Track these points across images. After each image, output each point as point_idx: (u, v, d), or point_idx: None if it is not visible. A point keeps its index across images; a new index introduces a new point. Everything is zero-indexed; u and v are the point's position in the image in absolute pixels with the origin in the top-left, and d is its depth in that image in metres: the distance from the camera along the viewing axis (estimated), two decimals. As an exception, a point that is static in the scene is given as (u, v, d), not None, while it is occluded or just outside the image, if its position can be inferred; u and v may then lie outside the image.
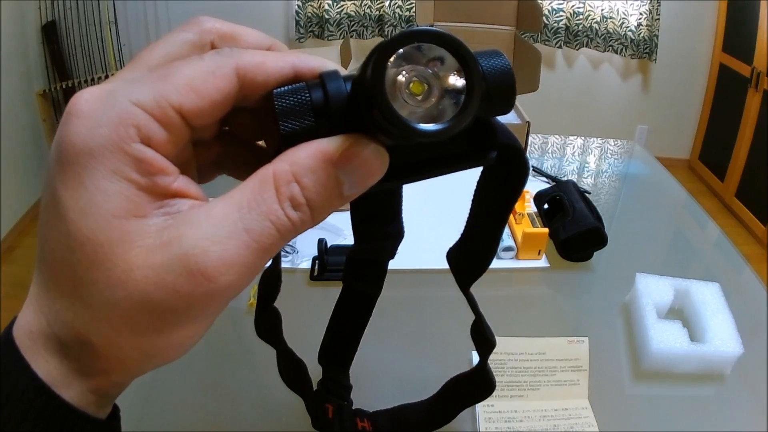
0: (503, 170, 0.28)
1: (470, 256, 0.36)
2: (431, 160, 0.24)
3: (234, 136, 0.26)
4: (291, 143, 0.21)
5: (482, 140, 0.25)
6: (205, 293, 0.19)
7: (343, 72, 0.22)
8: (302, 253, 0.76)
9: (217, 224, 0.19)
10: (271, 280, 0.36)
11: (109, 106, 0.19)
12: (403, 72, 0.20)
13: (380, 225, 0.39)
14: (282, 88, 0.21)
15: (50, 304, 0.20)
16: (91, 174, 0.18)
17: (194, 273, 0.19)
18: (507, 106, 0.23)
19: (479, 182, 0.32)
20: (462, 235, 0.36)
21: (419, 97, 0.20)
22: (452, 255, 0.38)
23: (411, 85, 0.20)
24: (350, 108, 0.21)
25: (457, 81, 0.20)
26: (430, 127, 0.20)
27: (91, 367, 0.20)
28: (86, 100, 0.19)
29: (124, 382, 0.22)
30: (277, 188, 0.20)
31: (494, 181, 0.31)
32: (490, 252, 0.35)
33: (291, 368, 0.45)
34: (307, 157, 0.20)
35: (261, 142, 0.27)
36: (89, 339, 0.20)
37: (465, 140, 0.25)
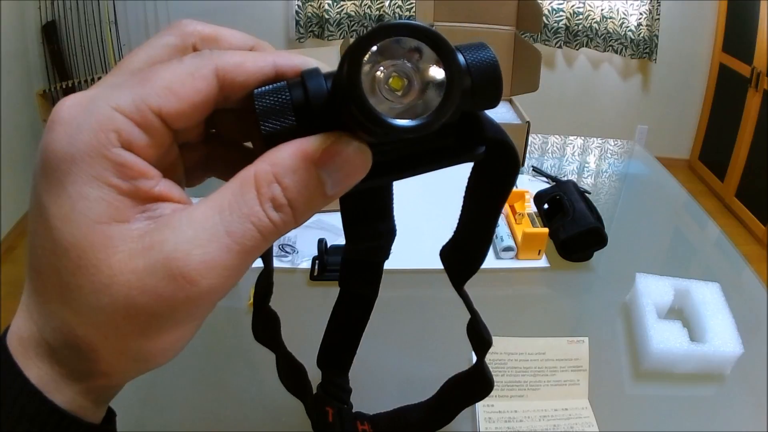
0: (493, 165, 0.28)
1: (463, 254, 0.36)
2: (418, 156, 0.24)
3: (221, 138, 0.26)
4: (273, 143, 0.20)
5: (470, 135, 0.24)
6: (188, 297, 0.19)
7: (326, 69, 0.22)
8: (302, 253, 0.76)
9: (198, 227, 0.19)
10: (263, 283, 0.36)
11: (89, 112, 0.19)
12: (381, 67, 0.19)
13: (371, 223, 0.38)
14: (262, 88, 0.21)
15: (39, 309, 0.20)
16: (73, 180, 0.19)
17: (176, 277, 0.19)
18: (493, 100, 0.22)
19: (470, 178, 0.31)
20: (455, 232, 0.35)
21: (399, 93, 0.20)
22: (445, 253, 0.37)
23: (390, 80, 0.20)
24: (331, 106, 0.21)
25: (438, 73, 0.20)
26: (407, 122, 0.19)
27: (81, 372, 0.20)
28: (68, 106, 0.19)
29: (115, 385, 0.22)
30: (258, 189, 0.20)
31: (484, 176, 0.30)
32: (484, 249, 0.34)
33: (290, 373, 0.44)
34: (288, 156, 0.20)
35: (248, 144, 0.26)
36: (77, 344, 0.20)
37: (452, 135, 0.24)
